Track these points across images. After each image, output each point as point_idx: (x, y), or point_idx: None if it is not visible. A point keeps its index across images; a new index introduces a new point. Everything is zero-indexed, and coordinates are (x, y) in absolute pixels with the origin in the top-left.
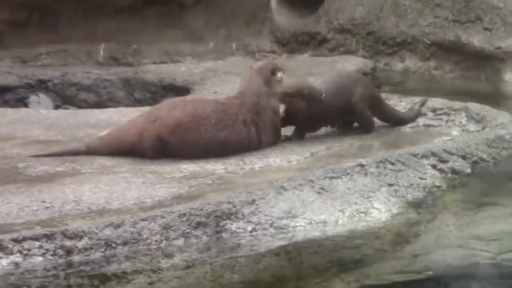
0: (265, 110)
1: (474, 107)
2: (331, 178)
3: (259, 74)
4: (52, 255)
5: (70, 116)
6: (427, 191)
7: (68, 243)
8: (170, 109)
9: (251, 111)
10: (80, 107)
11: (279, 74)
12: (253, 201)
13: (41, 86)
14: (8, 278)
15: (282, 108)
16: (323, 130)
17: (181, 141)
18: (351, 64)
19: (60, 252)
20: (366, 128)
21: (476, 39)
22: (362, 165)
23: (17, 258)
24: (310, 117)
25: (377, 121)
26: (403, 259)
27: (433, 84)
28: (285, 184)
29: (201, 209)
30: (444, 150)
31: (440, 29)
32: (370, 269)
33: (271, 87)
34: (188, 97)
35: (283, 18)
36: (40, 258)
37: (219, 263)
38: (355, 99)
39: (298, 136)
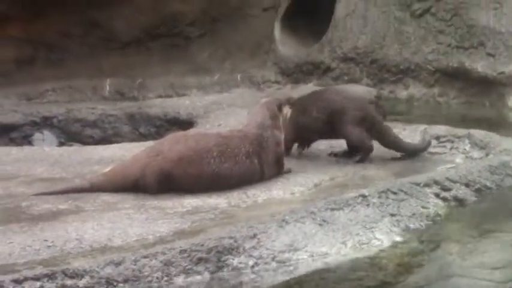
0: (268, 142)
1: (478, 133)
2: (332, 209)
3: (265, 108)
4: None
5: (74, 152)
6: (429, 220)
7: (69, 282)
8: (172, 144)
9: (254, 143)
10: (85, 143)
11: (285, 109)
12: (254, 235)
13: (46, 122)
14: None
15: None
16: (326, 160)
17: (184, 175)
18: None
19: None
20: (359, 150)
21: (479, 65)
22: (364, 196)
23: None
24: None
25: (385, 150)
26: None
27: (438, 111)
28: (287, 217)
29: (202, 245)
30: (447, 178)
31: (443, 56)
32: None
33: (276, 121)
34: (191, 131)
35: (287, 48)
36: None
37: None
38: (343, 117)
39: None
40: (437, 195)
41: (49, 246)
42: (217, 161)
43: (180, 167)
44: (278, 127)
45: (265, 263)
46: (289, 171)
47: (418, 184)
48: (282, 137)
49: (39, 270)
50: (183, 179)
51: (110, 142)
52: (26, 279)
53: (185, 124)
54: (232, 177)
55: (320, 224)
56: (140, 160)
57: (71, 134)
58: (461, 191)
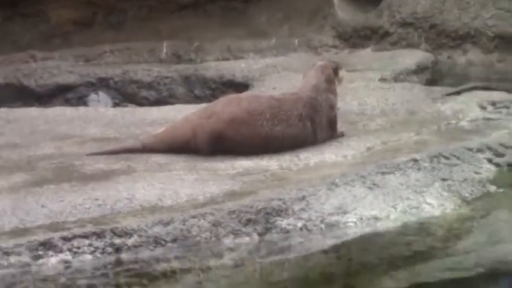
0: (321, 105)
1: None
2: (383, 173)
3: (320, 71)
4: (101, 253)
5: (127, 113)
6: (481, 185)
7: (118, 240)
8: (225, 105)
9: (307, 106)
10: (141, 104)
11: (341, 73)
12: (303, 198)
13: (102, 84)
14: (58, 277)
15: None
16: (380, 125)
17: (236, 136)
18: (412, 58)
19: (110, 250)
20: None
21: None
22: (415, 160)
23: (66, 256)
24: None
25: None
26: (455, 256)
27: (496, 77)
28: (337, 180)
29: (251, 206)
30: (500, 144)
31: (503, 21)
32: (421, 266)
33: (331, 85)
34: (244, 94)
35: (346, 13)
36: (89, 257)
37: (268, 261)
38: None
39: None
40: (490, 161)
41: (99, 205)
42: (270, 123)
43: (232, 128)
44: (332, 91)
45: (314, 225)
46: (342, 135)
47: (470, 149)
48: (336, 100)
49: (89, 228)
50: (235, 140)
51: (165, 104)
52: (74, 236)
53: (240, 87)
54: (284, 140)
55: (370, 188)
56: (192, 121)
57: (126, 95)
58: None
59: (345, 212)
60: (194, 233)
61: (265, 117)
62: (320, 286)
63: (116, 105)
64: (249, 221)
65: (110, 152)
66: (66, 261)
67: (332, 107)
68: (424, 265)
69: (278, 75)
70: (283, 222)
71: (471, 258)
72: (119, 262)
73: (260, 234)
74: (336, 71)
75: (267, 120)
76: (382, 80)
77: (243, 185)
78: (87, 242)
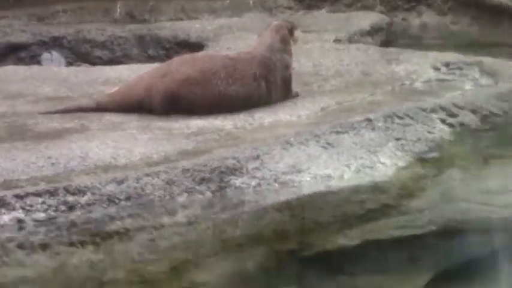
0: (276, 65)
1: (488, 61)
2: (337, 133)
3: (275, 31)
4: (54, 211)
5: (81, 72)
6: (434, 145)
7: (71, 198)
8: (179, 65)
9: (261, 66)
10: (94, 64)
11: (296, 33)
12: (258, 157)
13: (55, 43)
14: (11, 234)
15: None
16: (335, 86)
17: (191, 96)
18: (366, 20)
19: (63, 208)
20: None
21: None
22: (369, 120)
23: (19, 214)
24: None
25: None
26: (407, 214)
27: (450, 39)
28: (291, 139)
29: (205, 165)
30: (454, 104)
31: None
32: (374, 224)
33: (286, 45)
34: (198, 53)
35: None
36: (42, 215)
37: (221, 219)
38: None
39: None
40: (443, 121)
41: (53, 164)
42: (224, 83)
43: (186, 87)
44: (287, 51)
45: (268, 184)
46: (296, 96)
47: (424, 109)
48: (291, 61)
49: (42, 186)
50: (189, 100)
51: (119, 63)
52: (27, 194)
53: (195, 47)
54: (238, 99)
55: (324, 147)
56: (146, 81)
57: (79, 54)
58: (467, 117)
59: (299, 171)
60: (148, 191)
61: (219, 77)
62: (274, 243)
63: (69, 64)
64: (203, 179)
65: (64, 110)
66: (19, 219)
67: (287, 67)
68: (377, 223)
69: (232, 35)
70: (238, 181)
71: (424, 216)
72: (72, 220)
73: (214, 193)
74: (291, 31)
75: (221, 80)
76: (337, 41)
77: (197, 144)
78: (40, 200)
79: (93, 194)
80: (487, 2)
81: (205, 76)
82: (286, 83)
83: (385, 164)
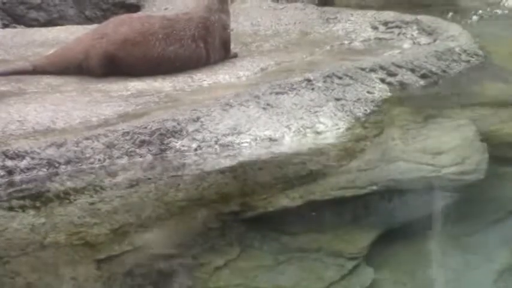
0: (214, 25)
1: (426, 19)
2: (277, 93)
3: None
4: None
5: (17, 34)
6: (374, 105)
7: (10, 163)
8: (117, 26)
9: (199, 27)
10: (31, 25)
11: None
12: (197, 119)
13: None
14: None
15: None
16: (274, 46)
17: (129, 57)
18: None
19: (2, 172)
20: None
21: None
22: (309, 80)
23: None
24: None
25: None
26: (348, 174)
27: None
28: (231, 100)
29: (145, 127)
30: (393, 63)
31: None
32: (315, 185)
33: (224, 5)
34: (136, 14)
35: None
36: None
37: (163, 182)
38: None
39: None
40: (382, 80)
41: None
42: (163, 44)
43: (125, 49)
44: (225, 11)
45: (209, 146)
46: (235, 56)
47: (363, 69)
48: (229, 21)
49: None
50: (128, 61)
51: (55, 25)
52: None
53: (132, 8)
54: (177, 60)
55: (264, 108)
56: (84, 42)
57: (15, 16)
58: (406, 76)
59: (239, 133)
60: (88, 155)
61: (157, 38)
62: (216, 205)
63: (5, 26)
64: (143, 142)
65: (0, 73)
66: None
67: (225, 27)
68: (318, 184)
69: None
70: (178, 144)
71: (365, 176)
72: (11, 184)
73: (155, 155)
74: None
75: (159, 41)
76: (275, 0)
77: (136, 107)
78: None
79: (32, 158)
80: None
81: (144, 37)
82: (225, 43)
83: (326, 124)
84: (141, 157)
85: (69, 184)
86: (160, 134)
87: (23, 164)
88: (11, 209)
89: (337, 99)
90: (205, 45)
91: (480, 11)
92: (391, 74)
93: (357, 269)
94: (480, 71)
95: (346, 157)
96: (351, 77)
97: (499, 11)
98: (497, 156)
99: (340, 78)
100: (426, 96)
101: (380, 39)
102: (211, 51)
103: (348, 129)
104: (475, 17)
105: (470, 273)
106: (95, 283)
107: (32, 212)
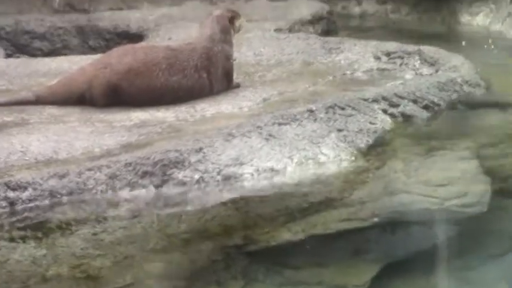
0: (217, 56)
1: (428, 50)
2: (279, 124)
3: (215, 21)
4: None
5: (20, 64)
6: (376, 136)
7: (12, 194)
8: (120, 56)
9: (202, 57)
10: (34, 55)
11: (238, 22)
12: (200, 149)
13: None
14: None
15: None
16: (276, 76)
17: (132, 87)
18: (307, 8)
19: (4, 203)
20: None
21: None
22: (311, 111)
23: None
24: None
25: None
26: (351, 206)
27: (390, 28)
28: (233, 131)
29: (148, 158)
30: (395, 94)
31: None
32: (317, 217)
33: (227, 35)
34: (139, 44)
35: None
36: None
37: (165, 213)
38: None
39: None
40: (385, 111)
41: None
42: (166, 74)
43: (128, 79)
44: (228, 41)
45: (211, 177)
46: (238, 86)
47: (366, 100)
48: (232, 51)
49: None
50: (131, 91)
51: (59, 55)
52: None
53: (135, 37)
54: (180, 91)
55: (266, 139)
56: (87, 72)
57: (18, 46)
58: (408, 107)
59: (241, 164)
60: (90, 186)
61: (160, 68)
62: (219, 238)
63: (8, 56)
64: (145, 173)
65: (3, 103)
66: None
67: (228, 57)
68: (320, 216)
69: (173, 25)
70: (180, 174)
71: (367, 208)
72: (13, 215)
73: (157, 187)
74: (232, 20)
75: (162, 71)
76: (278, 30)
77: (139, 137)
78: None
79: (34, 189)
80: None
81: (147, 67)
82: (228, 73)
83: (328, 155)
84: (143, 188)
85: (71, 215)
86: (163, 165)
87: (25, 194)
88: (12, 239)
89: (340, 130)
90: (208, 76)
91: (482, 41)
92: (394, 105)
93: None
94: (482, 102)
95: (349, 189)
96: (353, 108)
97: (501, 41)
98: (500, 189)
99: (342, 109)
100: (428, 127)
101: (382, 69)
102: (214, 81)
103: (350, 160)
104: (477, 47)
105: None
106: None
107: (33, 243)
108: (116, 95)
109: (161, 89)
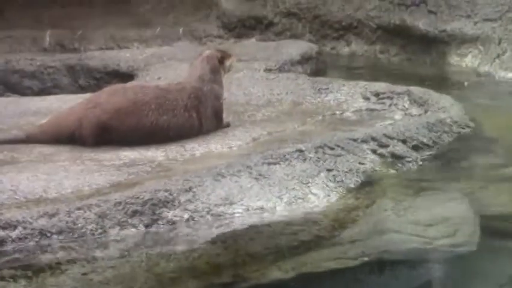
0: (206, 96)
1: (417, 90)
2: (269, 164)
3: (205, 61)
4: None
5: (10, 103)
6: (366, 176)
7: (1, 233)
8: (110, 95)
9: (192, 97)
10: (24, 94)
11: (228, 62)
12: (190, 189)
13: None
14: None
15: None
16: (266, 115)
17: (122, 127)
18: (296, 48)
19: None
20: None
21: (421, 23)
22: (301, 151)
23: None
24: None
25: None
26: (340, 245)
27: (379, 68)
28: (223, 171)
29: (137, 197)
30: (384, 134)
31: (385, 13)
32: (307, 256)
33: (216, 75)
34: (129, 84)
35: (230, 3)
36: None
37: (154, 252)
38: None
39: None
40: (374, 151)
41: None
42: (156, 113)
43: (118, 118)
44: (217, 81)
45: (201, 216)
46: (228, 126)
47: (355, 140)
48: (222, 91)
49: None
50: (121, 130)
51: (49, 94)
52: None
53: (125, 77)
54: (170, 130)
55: (256, 178)
56: (77, 111)
57: (8, 85)
58: (398, 148)
59: (231, 203)
60: (80, 224)
61: (150, 107)
62: (208, 276)
63: None
64: (135, 212)
65: None
66: None
67: (217, 97)
68: (310, 255)
69: (163, 64)
70: (170, 214)
71: (357, 247)
72: (3, 255)
73: (146, 226)
74: (222, 60)
75: (152, 111)
76: (267, 70)
77: (129, 176)
78: None
79: (24, 228)
80: (414, 31)
81: (137, 106)
82: (217, 113)
83: (317, 195)
84: (133, 227)
85: (61, 254)
86: (153, 204)
87: (15, 233)
88: (2, 279)
89: (329, 170)
90: (198, 115)
91: (471, 82)
92: (383, 145)
93: None
94: (471, 143)
95: (338, 228)
96: (342, 148)
97: (489, 82)
98: (489, 229)
99: (331, 149)
100: (418, 168)
101: (371, 109)
102: (204, 121)
103: (339, 200)
104: (465, 88)
105: None
106: None
107: (23, 282)
108: (105, 134)
109: (151, 128)
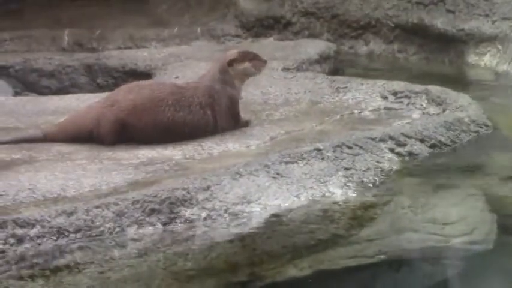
0: (219, 94)
1: (435, 89)
2: (287, 163)
3: (217, 62)
4: (3, 244)
5: (29, 102)
6: (383, 174)
7: (20, 231)
8: (127, 93)
9: (206, 95)
10: (42, 93)
11: (242, 66)
12: (208, 187)
13: (2, 72)
14: None
15: None
16: (284, 115)
17: (140, 124)
18: (314, 48)
19: (12, 240)
20: None
21: (439, 22)
22: (319, 150)
23: None
24: None
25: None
26: (357, 244)
27: (397, 67)
28: (241, 169)
29: (155, 196)
30: (402, 133)
31: (403, 12)
32: (324, 254)
33: (225, 76)
34: (146, 81)
35: (248, 2)
36: None
37: (172, 251)
38: None
39: None
40: (392, 150)
41: (1, 195)
42: (172, 109)
43: (135, 115)
44: (228, 82)
45: (218, 215)
46: (246, 125)
47: (373, 139)
48: (235, 91)
49: None
50: (138, 127)
51: (67, 93)
52: None
53: (143, 76)
54: (186, 126)
55: (274, 177)
56: (94, 110)
57: (27, 84)
58: (416, 147)
59: (249, 202)
60: (98, 223)
61: (167, 104)
62: (225, 275)
63: (16, 94)
64: (153, 210)
65: (11, 141)
66: None
67: (230, 97)
68: (327, 253)
69: (181, 64)
70: (188, 212)
71: (374, 245)
72: (21, 253)
73: (164, 224)
74: (231, 63)
75: (169, 106)
76: (285, 69)
77: (146, 175)
78: None
79: (42, 226)
80: (433, 30)
81: (154, 103)
82: (233, 112)
83: (335, 193)
84: (150, 226)
85: (78, 253)
86: (170, 203)
87: (33, 232)
88: (20, 278)
89: (347, 169)
90: (212, 113)
91: (489, 81)
92: (401, 144)
93: None
94: (489, 141)
95: (356, 226)
96: (360, 147)
97: (508, 81)
98: (506, 227)
99: (349, 148)
100: (435, 166)
101: (389, 108)
102: (219, 119)
103: (357, 198)
104: (484, 87)
105: None
106: None
107: (41, 281)
108: (123, 132)
109: (167, 124)
